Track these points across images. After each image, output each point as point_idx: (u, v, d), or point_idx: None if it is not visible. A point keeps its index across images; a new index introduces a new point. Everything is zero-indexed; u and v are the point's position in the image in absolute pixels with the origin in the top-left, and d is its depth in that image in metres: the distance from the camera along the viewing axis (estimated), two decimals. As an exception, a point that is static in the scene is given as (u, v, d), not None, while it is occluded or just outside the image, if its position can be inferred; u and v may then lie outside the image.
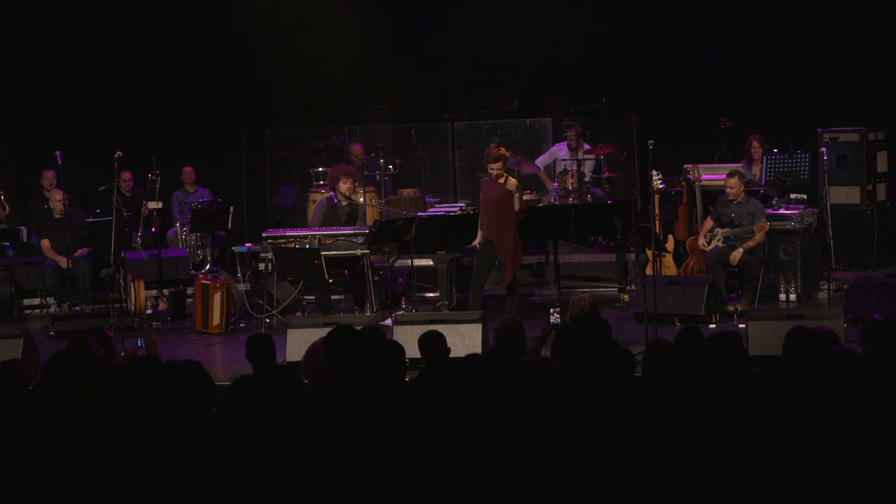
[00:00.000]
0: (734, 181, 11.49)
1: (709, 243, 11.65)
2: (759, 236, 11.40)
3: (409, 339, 9.13)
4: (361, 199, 12.50)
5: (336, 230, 11.67)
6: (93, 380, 5.60)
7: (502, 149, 10.89)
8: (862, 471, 4.37)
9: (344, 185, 11.89)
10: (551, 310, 7.70)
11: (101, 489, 4.75)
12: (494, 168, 10.68)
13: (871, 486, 4.34)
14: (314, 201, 12.81)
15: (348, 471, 4.53)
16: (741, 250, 11.31)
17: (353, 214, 12.02)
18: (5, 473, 4.91)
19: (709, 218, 11.81)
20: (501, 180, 10.70)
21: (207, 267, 13.76)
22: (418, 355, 7.12)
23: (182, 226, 14.12)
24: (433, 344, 6.98)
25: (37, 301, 13.09)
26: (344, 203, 11.96)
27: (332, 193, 12.04)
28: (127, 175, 14.01)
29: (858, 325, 9.94)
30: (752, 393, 4.99)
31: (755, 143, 13.09)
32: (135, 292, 12.00)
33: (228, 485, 4.59)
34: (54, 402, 5.32)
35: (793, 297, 11.81)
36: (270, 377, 5.22)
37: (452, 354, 7.03)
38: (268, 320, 11.50)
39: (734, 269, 11.72)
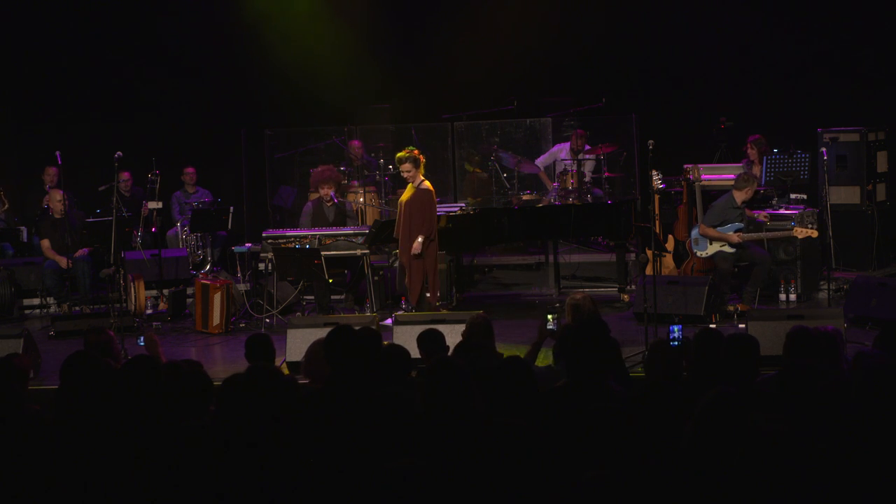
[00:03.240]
0: (752, 190, 11.49)
1: (703, 250, 11.56)
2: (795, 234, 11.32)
3: (409, 339, 9.13)
4: (361, 199, 12.52)
5: (336, 230, 11.68)
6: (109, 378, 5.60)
7: (415, 151, 10.81)
8: (875, 474, 4.35)
9: (324, 191, 11.97)
10: (549, 317, 7.58)
11: (100, 488, 4.75)
12: (403, 170, 10.72)
13: (882, 489, 4.32)
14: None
15: (347, 471, 4.53)
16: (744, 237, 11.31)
17: (340, 211, 12.04)
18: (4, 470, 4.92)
19: (703, 226, 11.62)
20: (415, 182, 10.67)
21: (207, 267, 13.76)
22: (418, 355, 7.12)
23: (182, 226, 14.12)
24: (432, 342, 6.99)
25: (37, 301, 13.09)
26: (329, 204, 12.01)
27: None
28: (125, 175, 14.00)
29: (866, 325, 10.01)
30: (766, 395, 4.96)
31: (750, 145, 13.09)
32: (135, 292, 12.00)
33: (225, 484, 4.59)
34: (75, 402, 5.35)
35: (793, 297, 11.80)
36: (261, 377, 5.23)
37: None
38: (268, 320, 11.50)
39: (736, 270, 11.72)
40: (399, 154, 10.89)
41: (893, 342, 6.16)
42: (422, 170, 10.84)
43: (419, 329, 9.39)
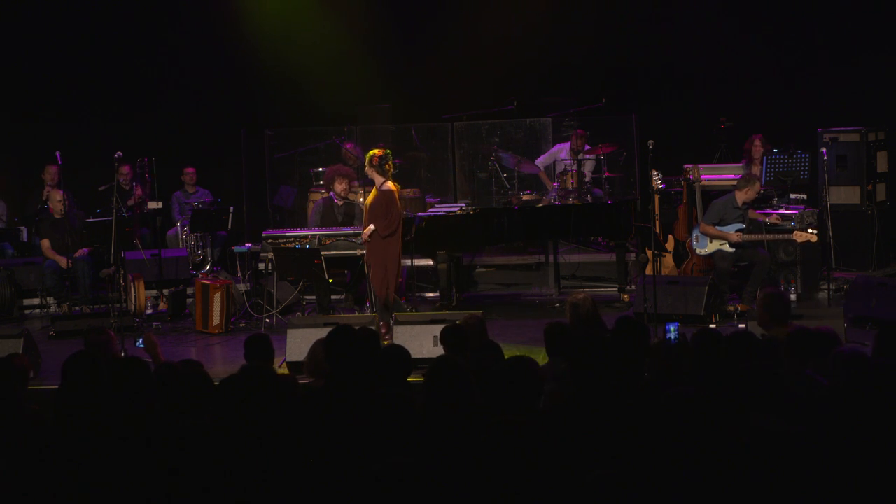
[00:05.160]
0: (754, 191, 11.46)
1: (703, 248, 11.53)
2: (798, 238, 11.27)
3: (409, 339, 9.15)
4: (361, 199, 12.51)
5: (336, 230, 11.68)
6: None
7: (377, 152, 10.57)
8: (869, 471, 4.35)
9: (339, 186, 11.93)
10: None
11: (100, 488, 4.75)
12: (368, 172, 10.61)
13: (878, 487, 4.32)
14: (314, 201, 12.82)
15: (347, 470, 4.53)
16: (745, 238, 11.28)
17: (349, 213, 12.03)
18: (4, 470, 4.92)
19: (703, 224, 11.61)
20: (377, 183, 10.54)
21: (207, 267, 13.76)
22: (418, 355, 7.12)
23: (182, 226, 14.12)
24: (456, 337, 6.96)
25: (37, 301, 13.09)
26: (340, 203, 11.99)
27: (331, 193, 12.08)
28: (125, 169, 14.00)
29: (866, 325, 10.01)
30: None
31: (756, 142, 13.07)
32: (135, 292, 12.00)
33: (225, 484, 4.59)
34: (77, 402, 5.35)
35: (793, 297, 11.79)
36: (259, 377, 5.24)
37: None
38: (268, 320, 11.50)
39: (735, 269, 11.72)
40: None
41: (893, 343, 6.15)
42: (389, 169, 10.54)
43: (419, 329, 9.44)
